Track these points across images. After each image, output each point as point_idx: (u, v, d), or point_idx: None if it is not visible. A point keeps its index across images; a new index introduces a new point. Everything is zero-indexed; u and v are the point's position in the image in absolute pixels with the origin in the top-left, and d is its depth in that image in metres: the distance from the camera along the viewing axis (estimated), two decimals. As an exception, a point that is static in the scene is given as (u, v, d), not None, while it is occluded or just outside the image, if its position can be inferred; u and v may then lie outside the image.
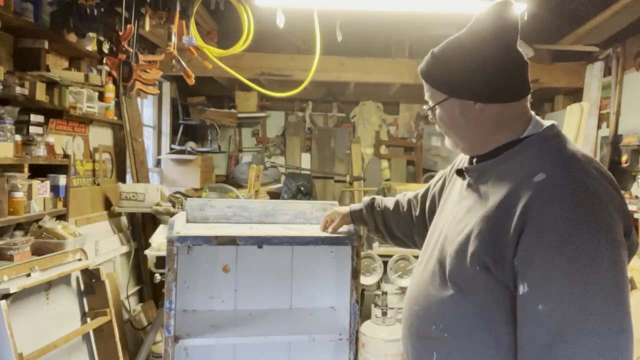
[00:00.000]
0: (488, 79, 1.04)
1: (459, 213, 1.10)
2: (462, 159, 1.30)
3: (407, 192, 1.58)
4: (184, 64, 2.80)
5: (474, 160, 1.17)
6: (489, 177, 1.07)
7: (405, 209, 1.53)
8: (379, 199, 1.62)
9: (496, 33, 1.04)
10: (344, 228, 1.64)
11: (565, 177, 0.93)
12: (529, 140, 1.04)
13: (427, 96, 1.15)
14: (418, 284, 1.15)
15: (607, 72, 4.33)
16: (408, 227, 1.52)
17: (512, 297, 0.96)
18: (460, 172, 1.17)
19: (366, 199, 1.65)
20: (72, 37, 2.82)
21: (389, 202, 1.59)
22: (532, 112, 1.09)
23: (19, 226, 2.39)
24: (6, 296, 1.84)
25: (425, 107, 1.18)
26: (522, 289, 0.92)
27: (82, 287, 2.44)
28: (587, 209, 0.90)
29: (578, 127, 4.21)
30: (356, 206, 1.65)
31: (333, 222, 1.64)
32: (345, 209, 1.66)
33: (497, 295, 0.98)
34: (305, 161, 5.88)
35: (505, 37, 1.04)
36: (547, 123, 1.07)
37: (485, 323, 1.00)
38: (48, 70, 2.73)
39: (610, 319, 0.86)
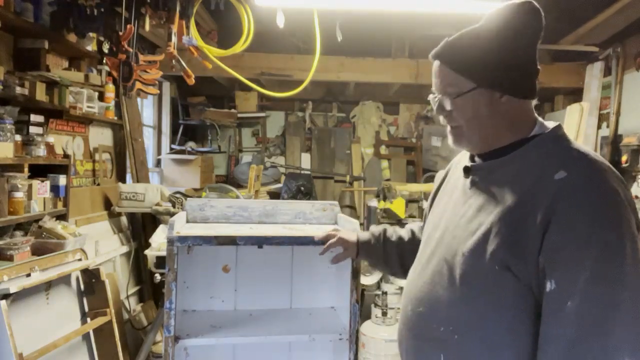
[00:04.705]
0: (517, 72, 1.05)
1: (468, 212, 1.08)
2: (458, 161, 1.27)
3: (416, 222, 1.50)
4: (184, 64, 2.80)
5: (475, 158, 1.15)
6: (499, 176, 1.06)
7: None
8: (390, 228, 1.51)
9: (527, 30, 1.04)
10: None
11: (587, 174, 0.95)
12: (538, 139, 1.05)
13: (443, 84, 1.08)
14: (422, 284, 1.13)
15: (607, 72, 4.33)
16: None
17: (533, 296, 0.96)
18: (466, 170, 1.14)
19: (375, 228, 1.51)
20: (72, 37, 2.82)
21: (402, 232, 1.48)
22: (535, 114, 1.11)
23: (19, 226, 2.39)
24: (6, 296, 1.84)
25: (439, 95, 1.09)
26: (549, 285, 0.92)
27: (82, 287, 2.44)
28: (610, 205, 0.92)
29: (578, 127, 4.22)
30: (363, 236, 1.50)
31: (334, 246, 1.50)
32: (352, 237, 1.51)
33: (516, 294, 0.97)
34: (305, 161, 5.88)
35: (534, 36, 1.05)
36: (552, 124, 1.08)
37: (501, 323, 0.99)
38: (48, 70, 2.73)
39: (637, 314, 0.88)
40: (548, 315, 0.93)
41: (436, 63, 1.10)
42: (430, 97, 1.14)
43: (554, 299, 0.91)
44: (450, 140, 1.14)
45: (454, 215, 1.13)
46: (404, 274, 1.42)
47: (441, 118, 1.13)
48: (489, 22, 1.06)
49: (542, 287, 0.94)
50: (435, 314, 1.08)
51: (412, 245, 1.40)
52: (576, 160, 0.98)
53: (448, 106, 1.09)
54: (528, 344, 0.97)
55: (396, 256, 1.44)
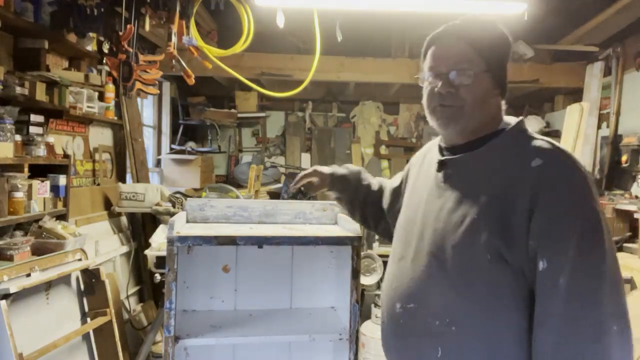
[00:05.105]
0: (505, 72, 1.15)
1: (446, 204, 1.10)
2: (424, 157, 1.31)
3: (385, 180, 1.59)
4: (184, 64, 2.80)
5: (444, 153, 1.18)
6: (476, 167, 1.10)
7: (384, 195, 1.54)
8: (365, 172, 1.62)
9: (508, 44, 1.15)
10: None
11: (559, 161, 1.02)
12: (507, 132, 1.11)
13: (458, 59, 1.08)
14: (410, 280, 1.13)
15: (607, 72, 4.33)
16: (382, 212, 1.54)
17: (525, 281, 0.99)
18: (441, 163, 1.16)
19: (352, 167, 1.62)
20: (72, 37, 2.82)
21: (372, 180, 1.60)
22: None
23: (19, 226, 2.39)
24: (6, 296, 1.84)
25: (457, 66, 1.08)
26: (541, 265, 0.96)
27: (82, 287, 2.44)
28: (584, 186, 0.99)
29: (578, 127, 4.21)
30: (340, 170, 1.60)
31: (308, 178, 1.61)
32: (326, 169, 1.62)
33: (509, 281, 1.00)
34: (305, 161, 5.88)
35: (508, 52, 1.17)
36: (513, 120, 1.15)
37: (497, 311, 1.01)
38: (48, 70, 2.73)
39: (618, 284, 0.95)
40: (542, 293, 0.97)
41: (447, 40, 1.12)
42: (427, 74, 1.13)
43: (546, 277, 0.96)
44: (440, 121, 1.13)
45: (430, 209, 1.14)
46: (361, 218, 1.56)
47: (437, 97, 1.11)
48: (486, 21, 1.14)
49: (534, 268, 0.98)
50: (429, 309, 1.08)
51: (376, 196, 1.54)
52: (546, 149, 1.04)
53: (463, 81, 1.08)
54: (524, 329, 1.00)
55: (361, 201, 1.56)
